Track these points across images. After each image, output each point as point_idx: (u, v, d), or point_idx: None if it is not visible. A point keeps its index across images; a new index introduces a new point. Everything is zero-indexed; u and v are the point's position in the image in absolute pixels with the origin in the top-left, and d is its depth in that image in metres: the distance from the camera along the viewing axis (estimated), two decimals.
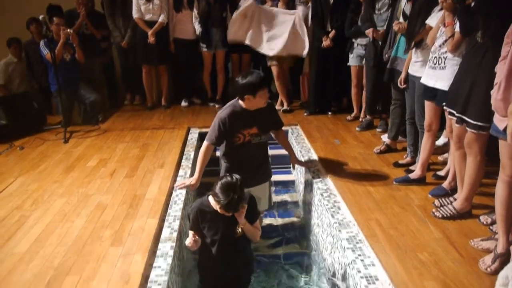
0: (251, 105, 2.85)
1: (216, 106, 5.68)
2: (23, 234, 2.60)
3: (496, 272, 2.15)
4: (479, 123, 2.42)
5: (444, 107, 2.78)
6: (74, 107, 5.16)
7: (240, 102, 2.89)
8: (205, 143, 3.00)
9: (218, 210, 2.24)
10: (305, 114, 5.27)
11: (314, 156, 3.92)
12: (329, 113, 5.30)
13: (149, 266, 2.28)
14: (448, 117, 2.81)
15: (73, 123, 4.82)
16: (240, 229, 2.33)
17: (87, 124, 4.93)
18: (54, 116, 5.21)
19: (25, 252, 2.40)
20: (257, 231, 2.48)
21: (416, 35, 3.17)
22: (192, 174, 3.67)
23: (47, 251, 2.41)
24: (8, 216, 2.82)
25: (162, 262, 2.30)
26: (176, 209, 2.91)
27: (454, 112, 2.63)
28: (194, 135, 4.58)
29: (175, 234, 2.59)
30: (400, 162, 3.63)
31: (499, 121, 2.12)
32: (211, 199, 2.30)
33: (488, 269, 2.18)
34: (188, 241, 2.27)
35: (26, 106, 4.78)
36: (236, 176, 2.24)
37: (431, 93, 2.98)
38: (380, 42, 4.16)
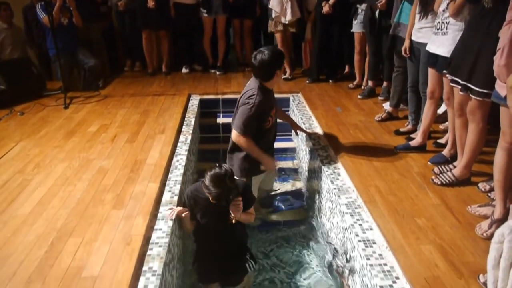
0: (277, 80, 2.79)
1: (217, 73, 5.63)
2: (25, 197, 2.63)
3: (492, 237, 2.18)
4: (485, 91, 2.39)
5: (447, 75, 2.74)
6: (74, 73, 5.11)
7: (264, 83, 2.80)
8: (243, 138, 2.77)
9: (211, 200, 2.22)
10: (307, 81, 5.23)
11: (315, 124, 3.91)
12: (331, 81, 5.25)
13: (150, 228, 2.32)
14: (450, 85, 2.78)
15: (73, 89, 4.78)
16: (233, 218, 2.34)
17: (87, 90, 4.90)
18: (54, 82, 5.17)
19: (28, 214, 2.44)
20: (251, 215, 2.50)
21: (431, 2, 3.07)
22: (193, 140, 3.69)
23: (50, 214, 2.44)
24: (11, 180, 2.84)
25: (163, 225, 2.34)
26: (177, 174, 2.93)
27: (458, 80, 2.60)
28: (195, 101, 4.55)
29: (175, 198, 2.61)
30: (401, 130, 3.62)
31: (500, 88, 2.10)
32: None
33: (484, 234, 2.21)
34: (173, 212, 2.37)
35: (25, 71, 4.73)
36: (225, 167, 2.17)
37: (433, 60, 2.94)
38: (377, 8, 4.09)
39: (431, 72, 3.05)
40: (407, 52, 3.41)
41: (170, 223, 2.36)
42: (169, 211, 2.43)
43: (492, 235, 2.16)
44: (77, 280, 1.91)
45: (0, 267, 1.99)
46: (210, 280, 2.50)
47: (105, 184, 2.77)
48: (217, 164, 2.19)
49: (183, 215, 2.39)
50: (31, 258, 2.06)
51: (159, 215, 2.44)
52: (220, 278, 2.49)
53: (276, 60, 2.72)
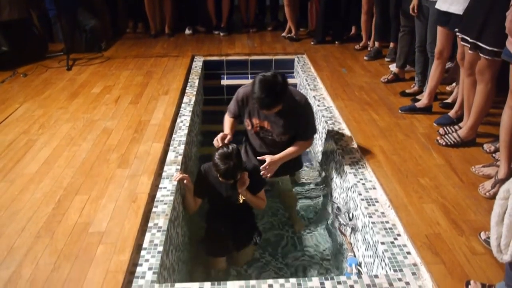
0: None
1: (221, 34, 5.53)
2: (31, 156, 2.65)
3: (494, 196, 2.17)
4: (495, 49, 2.34)
5: (457, 34, 2.68)
6: (76, 35, 5.03)
7: None
8: (226, 114, 2.83)
9: (220, 179, 2.29)
10: (312, 43, 5.13)
11: (320, 85, 3.87)
12: (337, 42, 5.15)
13: (155, 187, 2.35)
14: (460, 43, 2.72)
15: (76, 51, 4.73)
16: (241, 198, 2.38)
17: (90, 52, 4.84)
18: (56, 43, 5.11)
19: (35, 173, 2.47)
20: (260, 201, 2.53)
21: None
22: (197, 102, 3.68)
23: (56, 173, 2.47)
24: (16, 140, 2.86)
25: (168, 184, 2.36)
26: (181, 134, 2.93)
27: (468, 38, 2.54)
28: (198, 63, 4.50)
29: (180, 158, 2.63)
30: (407, 91, 3.58)
31: (511, 45, 2.05)
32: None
33: (487, 194, 2.22)
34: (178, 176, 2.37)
35: (26, 32, 4.66)
36: (232, 146, 2.28)
37: (444, 18, 2.86)
38: None
39: (440, 31, 2.97)
40: (415, 11, 3.32)
41: (175, 182, 2.38)
42: (176, 173, 2.44)
43: (495, 195, 2.18)
44: (85, 235, 1.95)
45: (9, 223, 2.04)
46: (217, 254, 2.53)
47: (109, 144, 2.78)
48: (223, 145, 2.32)
49: (185, 181, 2.40)
50: (39, 215, 2.10)
51: (164, 174, 2.46)
52: (226, 252, 2.54)
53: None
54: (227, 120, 2.78)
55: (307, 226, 2.86)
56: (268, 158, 2.54)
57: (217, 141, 2.50)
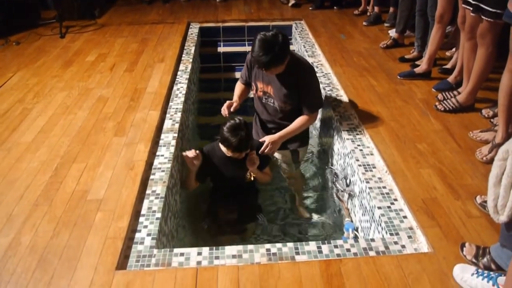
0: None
1: (217, 0, 5.39)
2: (27, 125, 2.63)
3: (492, 161, 2.18)
4: (497, 11, 2.28)
5: None
6: (67, 1, 4.89)
7: None
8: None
9: (231, 155, 2.23)
10: (311, 8, 5.02)
11: (318, 51, 3.80)
12: (336, 7, 5.03)
13: (152, 154, 2.34)
14: (462, 6, 2.66)
15: (69, 18, 4.62)
16: (250, 175, 2.35)
17: (83, 19, 4.73)
18: (48, 11, 4.98)
19: (31, 142, 2.45)
20: (267, 175, 2.53)
21: None
22: (193, 69, 3.62)
23: (52, 141, 2.45)
24: (11, 109, 2.83)
25: (165, 151, 2.36)
26: (177, 102, 2.90)
27: (470, 0, 2.48)
28: (194, 30, 4.41)
29: (177, 126, 2.61)
30: (407, 57, 3.53)
31: None
32: (221, 145, 2.29)
33: (484, 158, 2.22)
34: (189, 153, 2.30)
35: None
36: (238, 118, 2.22)
37: None
38: None
39: None
40: None
41: (172, 149, 2.38)
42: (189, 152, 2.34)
43: (492, 159, 2.16)
44: (83, 202, 1.96)
45: (7, 191, 2.04)
46: (220, 232, 2.53)
47: (105, 112, 2.76)
48: (229, 119, 2.25)
49: (195, 162, 2.32)
50: (37, 183, 2.10)
51: (161, 142, 2.45)
52: (230, 231, 2.55)
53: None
54: (237, 87, 2.75)
55: (306, 192, 2.88)
56: (267, 138, 2.49)
57: (223, 110, 2.47)
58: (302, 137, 2.67)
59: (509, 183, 1.16)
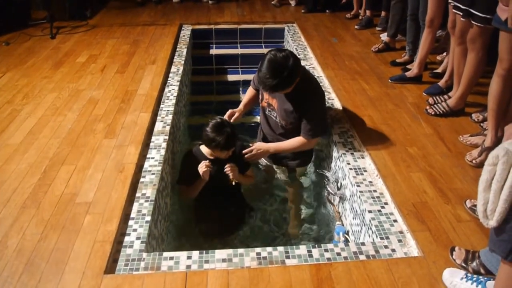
0: None
1: (210, 2, 5.39)
2: (16, 126, 2.59)
3: (481, 164, 2.21)
4: (487, 16, 2.30)
5: (449, 1, 2.63)
6: (56, 1, 4.84)
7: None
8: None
9: (219, 154, 2.21)
10: (303, 11, 5.03)
11: (310, 54, 3.81)
12: (328, 11, 5.05)
13: (142, 157, 2.32)
14: (452, 11, 2.68)
15: (59, 19, 4.58)
16: (233, 180, 2.32)
17: (74, 20, 4.69)
18: (39, 11, 4.93)
19: (20, 143, 2.42)
20: (249, 178, 2.51)
21: None
22: (185, 71, 3.61)
23: (41, 143, 2.43)
24: (0, 110, 2.79)
25: (155, 154, 2.34)
26: (168, 104, 2.88)
27: (460, 5, 2.50)
28: (186, 31, 4.39)
29: (168, 128, 2.59)
30: (398, 60, 3.55)
31: (502, 11, 2.03)
32: (203, 148, 2.28)
33: (474, 162, 2.24)
34: (202, 168, 2.23)
35: None
36: (219, 117, 2.21)
37: None
38: None
39: None
40: None
41: (163, 151, 2.36)
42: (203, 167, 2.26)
43: (481, 163, 2.20)
44: (71, 205, 1.94)
45: None
46: (212, 235, 2.49)
47: (95, 114, 2.73)
48: (211, 119, 2.22)
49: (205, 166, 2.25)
50: (25, 185, 2.07)
51: (151, 144, 2.43)
52: (220, 233, 2.50)
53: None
54: (247, 92, 2.67)
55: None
56: (256, 145, 2.45)
57: None
58: (303, 156, 2.60)
59: (498, 188, 1.16)
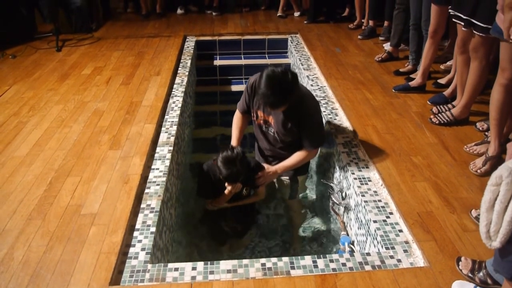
0: None
1: (214, 13, 5.44)
2: (22, 139, 2.62)
3: (486, 174, 2.20)
4: (489, 26, 2.31)
5: (450, 11, 2.64)
6: (63, 16, 4.90)
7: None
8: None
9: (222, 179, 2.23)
10: (305, 22, 5.07)
11: (314, 65, 3.83)
12: (331, 21, 5.08)
13: (147, 168, 2.33)
14: (453, 20, 2.68)
15: (65, 32, 4.64)
16: (246, 191, 2.35)
17: (79, 33, 4.75)
18: (45, 24, 5.00)
19: (26, 155, 2.44)
20: (261, 194, 2.51)
21: None
22: (189, 82, 3.63)
23: (47, 155, 2.44)
24: (6, 122, 2.82)
25: (160, 165, 2.35)
26: (173, 115, 2.90)
27: (461, 15, 2.51)
28: (190, 43, 4.43)
29: (172, 139, 2.61)
30: (401, 70, 3.56)
31: (501, 21, 2.03)
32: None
33: (478, 171, 2.23)
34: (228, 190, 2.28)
35: (13, 11, 4.55)
36: (237, 150, 2.16)
37: None
38: None
39: (435, 9, 2.93)
40: None
41: (167, 162, 2.37)
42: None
43: (485, 172, 2.19)
44: (77, 217, 1.95)
45: (0, 205, 2.02)
46: (222, 241, 2.54)
47: (101, 125, 2.75)
48: (229, 147, 2.19)
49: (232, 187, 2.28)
50: (31, 197, 2.09)
51: (156, 155, 2.44)
52: (228, 238, 2.55)
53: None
54: (235, 122, 2.59)
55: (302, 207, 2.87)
56: (266, 168, 2.43)
57: None
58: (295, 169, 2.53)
59: (502, 209, 1.14)
